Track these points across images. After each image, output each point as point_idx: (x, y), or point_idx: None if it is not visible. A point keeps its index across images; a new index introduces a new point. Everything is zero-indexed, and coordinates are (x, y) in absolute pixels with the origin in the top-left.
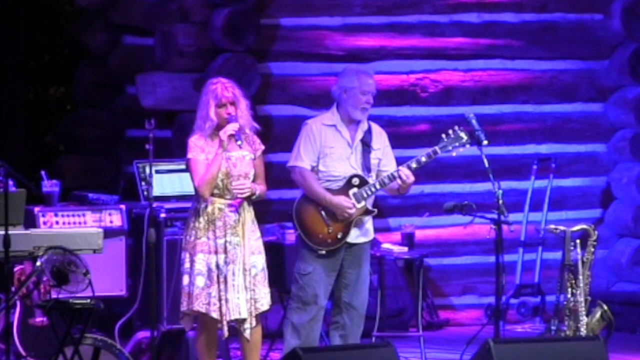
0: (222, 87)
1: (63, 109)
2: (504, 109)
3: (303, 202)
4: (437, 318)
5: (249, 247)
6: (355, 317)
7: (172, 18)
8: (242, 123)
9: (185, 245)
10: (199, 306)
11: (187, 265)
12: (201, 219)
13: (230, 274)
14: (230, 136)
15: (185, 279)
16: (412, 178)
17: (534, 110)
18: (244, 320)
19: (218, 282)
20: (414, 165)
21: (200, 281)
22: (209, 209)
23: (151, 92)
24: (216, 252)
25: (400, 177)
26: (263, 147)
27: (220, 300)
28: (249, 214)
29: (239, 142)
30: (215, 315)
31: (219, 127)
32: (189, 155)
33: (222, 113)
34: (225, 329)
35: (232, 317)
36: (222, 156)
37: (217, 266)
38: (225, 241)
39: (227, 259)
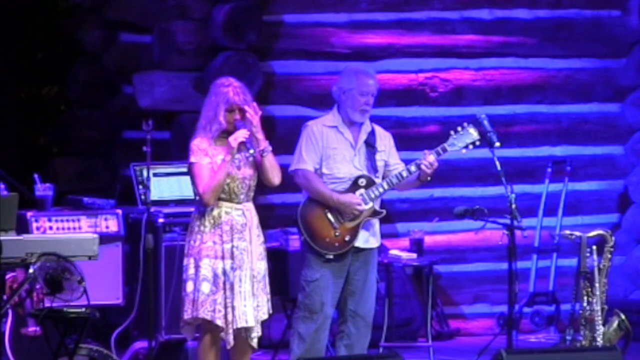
0: (234, 91)
1: (57, 109)
2: (517, 110)
3: (308, 205)
4: (447, 327)
5: (256, 252)
6: (361, 326)
7: (171, 14)
8: (253, 129)
9: (189, 250)
10: (204, 313)
11: (191, 271)
12: (206, 223)
13: (237, 280)
14: (241, 143)
15: (190, 286)
16: (436, 164)
17: (548, 111)
18: (251, 328)
19: (224, 289)
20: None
21: (205, 287)
22: (215, 212)
23: (149, 91)
24: (222, 258)
25: (424, 164)
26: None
27: (225, 307)
28: (255, 217)
29: (251, 151)
30: (220, 322)
31: (226, 131)
32: (192, 159)
33: (230, 118)
34: (231, 337)
35: (239, 325)
36: (230, 164)
37: (224, 272)
38: (232, 246)
39: (234, 264)
